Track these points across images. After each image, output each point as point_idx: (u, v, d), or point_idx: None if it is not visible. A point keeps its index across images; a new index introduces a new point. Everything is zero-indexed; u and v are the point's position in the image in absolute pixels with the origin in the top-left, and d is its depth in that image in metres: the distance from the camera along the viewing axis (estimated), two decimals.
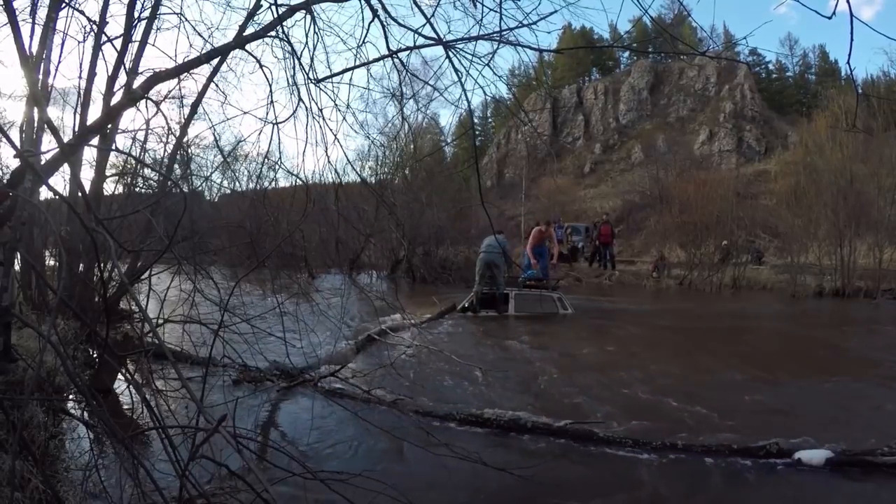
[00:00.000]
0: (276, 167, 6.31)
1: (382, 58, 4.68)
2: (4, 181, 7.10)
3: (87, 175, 9.06)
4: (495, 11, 4.07)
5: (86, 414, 5.84)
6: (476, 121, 67.55)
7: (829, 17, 2.72)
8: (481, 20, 4.19)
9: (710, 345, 11.98)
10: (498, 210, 43.47)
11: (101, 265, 7.03)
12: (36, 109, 5.98)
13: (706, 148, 56.67)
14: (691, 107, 63.24)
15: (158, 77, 4.41)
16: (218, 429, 2.23)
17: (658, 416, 6.99)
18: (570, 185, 54.97)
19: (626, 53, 74.17)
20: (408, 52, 4.53)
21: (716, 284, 23.41)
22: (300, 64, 4.95)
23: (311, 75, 4.96)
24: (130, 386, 4.81)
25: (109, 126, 7.35)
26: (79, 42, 8.45)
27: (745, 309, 18.75)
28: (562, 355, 10.33)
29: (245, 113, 6.14)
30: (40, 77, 7.48)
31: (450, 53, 3.85)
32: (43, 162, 3.90)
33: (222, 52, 5.33)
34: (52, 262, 10.75)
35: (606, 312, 16.25)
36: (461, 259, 25.56)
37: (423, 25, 4.07)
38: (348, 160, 7.47)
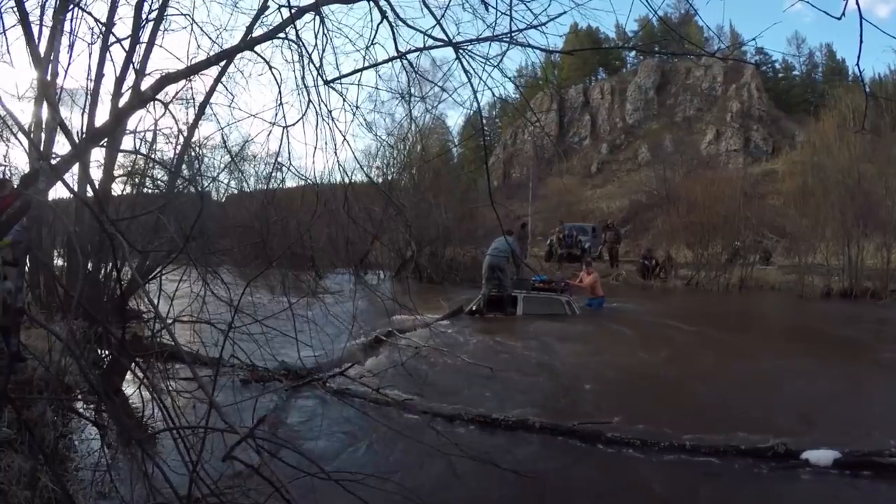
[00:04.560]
0: (286, 169, 6.32)
1: (392, 59, 4.68)
2: (5, 178, 7.14)
3: (95, 176, 9.11)
4: (506, 14, 4.07)
5: (94, 413, 5.88)
6: (483, 121, 67.35)
7: (839, 18, 2.71)
8: (494, 24, 4.18)
9: (718, 345, 11.95)
10: (505, 210, 43.32)
11: (114, 264, 7.06)
12: (47, 110, 6.00)
13: (713, 148, 56.46)
14: (698, 106, 62.97)
15: (168, 79, 4.43)
16: (253, 433, 2.24)
17: (665, 416, 6.98)
18: (576, 185, 54.83)
19: (633, 53, 74.00)
20: (417, 53, 4.53)
21: (723, 285, 23.31)
22: (312, 65, 4.96)
23: (321, 75, 4.97)
24: (143, 387, 4.82)
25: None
26: (88, 44, 8.51)
27: (752, 309, 18.72)
28: (570, 356, 10.33)
29: (254, 116, 6.15)
30: (48, 77, 7.53)
31: (459, 54, 3.86)
32: (54, 162, 3.92)
33: (232, 54, 5.35)
34: (59, 262, 10.79)
35: (613, 313, 16.20)
36: (468, 259, 25.49)
37: (433, 27, 4.08)
38: (358, 163, 7.49)
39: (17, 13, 3.80)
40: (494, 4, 4.23)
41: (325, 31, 5.02)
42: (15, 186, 6.53)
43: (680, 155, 48.73)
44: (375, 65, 4.83)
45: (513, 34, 4.03)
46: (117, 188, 9.90)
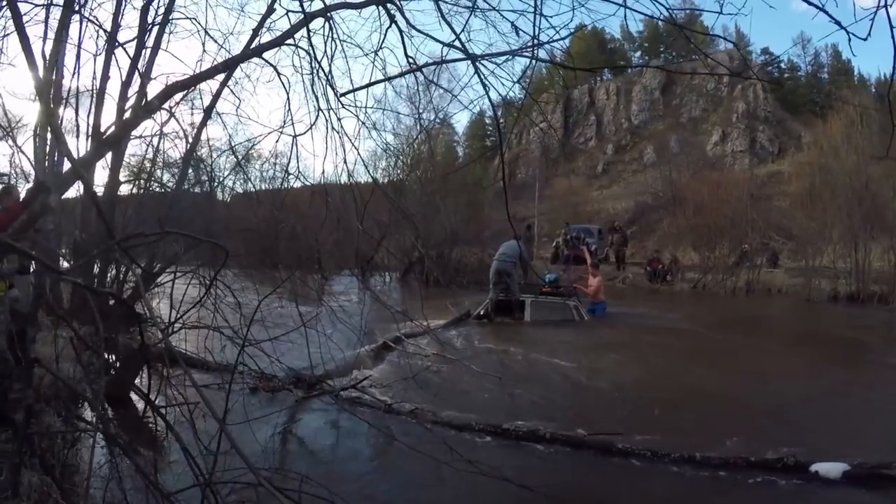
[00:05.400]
0: (295, 176, 6.29)
1: (407, 72, 4.64)
2: (11, 185, 7.11)
3: (101, 177, 9.13)
4: (528, 34, 4.01)
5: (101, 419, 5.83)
6: (487, 121, 67.35)
7: (865, 39, 2.66)
8: (533, 44, 4.10)
9: (726, 353, 11.90)
10: (511, 212, 43.14)
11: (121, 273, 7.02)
12: (50, 138, 5.98)
13: (719, 149, 56.20)
14: (704, 107, 62.62)
15: (174, 87, 4.39)
16: (262, 481, 2.19)
17: (676, 426, 6.96)
18: (582, 185, 54.71)
19: (638, 53, 73.75)
20: (436, 66, 4.49)
21: (730, 288, 23.21)
22: (322, 72, 4.91)
23: (331, 85, 4.93)
24: (152, 394, 4.78)
25: None
26: (94, 55, 8.49)
27: (760, 314, 18.65)
28: (579, 364, 10.24)
29: (265, 127, 6.13)
30: (53, 77, 7.50)
31: (478, 68, 3.81)
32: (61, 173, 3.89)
33: (238, 61, 5.32)
34: (65, 265, 10.75)
35: (622, 318, 16.13)
36: (475, 261, 25.41)
37: (453, 40, 4.02)
38: (368, 171, 7.48)
39: (14, 24, 3.74)
40: (519, 27, 4.17)
41: (334, 38, 4.98)
42: (21, 193, 6.50)
43: (685, 156, 48.54)
44: (390, 78, 4.81)
45: (534, 49, 3.98)
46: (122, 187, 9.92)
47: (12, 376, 5.75)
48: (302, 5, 4.50)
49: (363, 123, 5.45)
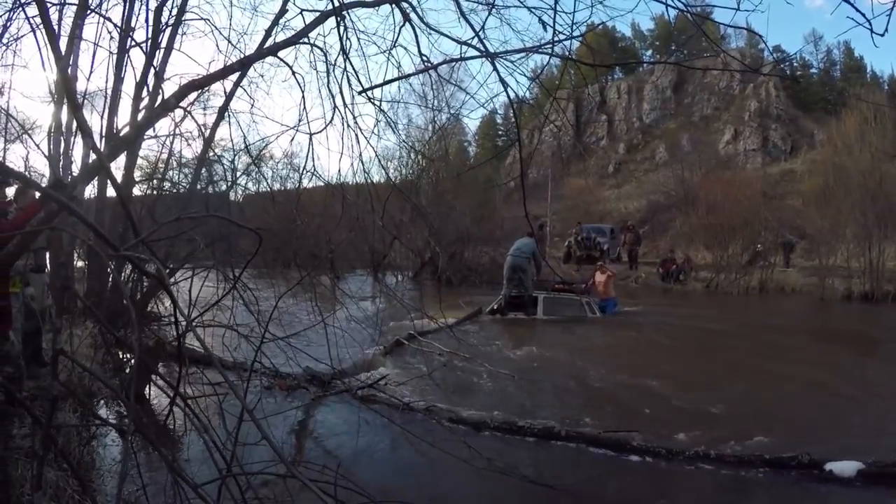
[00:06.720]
0: (311, 173, 6.30)
1: (423, 70, 4.64)
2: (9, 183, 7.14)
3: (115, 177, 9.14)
4: (550, 26, 3.99)
5: (111, 416, 5.86)
6: (499, 121, 67.29)
7: (882, 35, 2.64)
8: (553, 40, 4.09)
9: (741, 352, 11.81)
10: (522, 211, 42.85)
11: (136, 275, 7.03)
12: (80, 136, 6.00)
13: (731, 147, 55.82)
14: (716, 105, 62.19)
15: (190, 86, 4.40)
16: (293, 471, 2.18)
17: (691, 424, 6.93)
18: (593, 185, 54.42)
19: (649, 52, 73.41)
20: (453, 63, 4.48)
21: (743, 287, 23.08)
22: (337, 70, 4.91)
23: (353, 79, 4.93)
24: (166, 391, 4.79)
25: None
26: (110, 53, 8.53)
27: (774, 314, 18.52)
28: (592, 361, 10.22)
29: (281, 125, 6.15)
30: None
31: (496, 66, 3.80)
32: (76, 172, 3.90)
33: (253, 60, 5.32)
34: (80, 264, 10.81)
35: (634, 316, 16.11)
36: (487, 260, 25.38)
37: (472, 38, 4.02)
38: (384, 169, 7.47)
39: (41, 20, 3.77)
40: (531, 17, 4.15)
41: (348, 36, 4.98)
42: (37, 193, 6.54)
43: (698, 155, 48.27)
44: (407, 76, 4.80)
45: (552, 45, 3.97)
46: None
47: (23, 375, 5.79)
48: (333, 2, 4.50)
49: (385, 115, 5.46)
